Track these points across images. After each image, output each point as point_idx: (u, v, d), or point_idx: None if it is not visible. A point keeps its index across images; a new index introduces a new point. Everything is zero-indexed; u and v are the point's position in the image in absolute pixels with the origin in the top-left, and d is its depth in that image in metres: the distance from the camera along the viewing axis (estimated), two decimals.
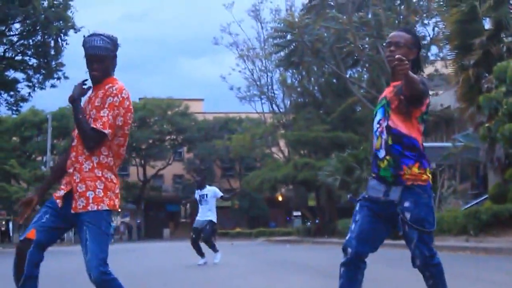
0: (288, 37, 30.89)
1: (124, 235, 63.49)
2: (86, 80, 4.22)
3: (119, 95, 4.07)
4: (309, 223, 44.27)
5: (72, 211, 4.02)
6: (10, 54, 36.10)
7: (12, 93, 36.86)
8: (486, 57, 20.39)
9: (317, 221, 41.06)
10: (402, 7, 25.21)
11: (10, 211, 52.02)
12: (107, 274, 3.94)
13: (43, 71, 35.91)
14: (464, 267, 10.59)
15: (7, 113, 41.18)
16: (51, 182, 4.40)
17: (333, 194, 34.65)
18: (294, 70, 40.49)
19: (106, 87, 4.10)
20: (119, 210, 4.25)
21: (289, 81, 44.28)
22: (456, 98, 23.53)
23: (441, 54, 27.44)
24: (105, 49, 4.10)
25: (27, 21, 33.95)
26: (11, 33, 35.41)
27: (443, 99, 35.47)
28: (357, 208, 4.26)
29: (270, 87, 47.64)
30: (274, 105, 47.55)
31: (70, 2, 34.53)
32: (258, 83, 47.80)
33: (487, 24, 21.92)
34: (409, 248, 4.09)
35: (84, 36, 4.22)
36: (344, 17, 25.67)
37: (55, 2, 34.29)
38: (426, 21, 26.29)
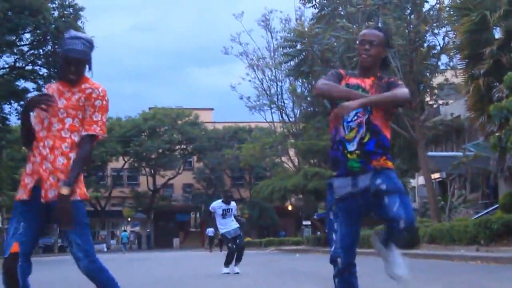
0: (298, 46, 30.85)
1: (134, 244, 63.55)
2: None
3: (106, 97, 4.20)
4: (318, 233, 44.17)
5: (43, 200, 4.01)
6: (21, 64, 36.36)
7: (22, 102, 36.98)
8: (496, 67, 20.31)
9: (326, 230, 40.89)
10: (412, 16, 25.13)
11: None
12: (95, 263, 4.04)
13: (53, 81, 35.98)
14: (475, 276, 10.50)
15: (17, 122, 41.32)
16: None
17: None
18: (304, 80, 40.37)
19: (83, 86, 4.17)
20: (89, 197, 4.25)
21: (299, 90, 44.30)
22: (466, 108, 23.48)
23: (451, 64, 27.33)
24: (85, 53, 4.16)
25: (38, 31, 34.14)
26: (22, 43, 35.72)
27: (453, 108, 35.44)
28: (331, 216, 4.28)
29: (280, 96, 47.79)
30: (284, 115, 47.65)
31: (81, 12, 34.86)
32: (268, 92, 47.91)
33: (498, 34, 21.84)
34: (390, 215, 3.98)
35: (64, 37, 4.23)
36: (354, 26, 25.61)
37: (65, 13, 34.60)
38: (436, 31, 26.17)
